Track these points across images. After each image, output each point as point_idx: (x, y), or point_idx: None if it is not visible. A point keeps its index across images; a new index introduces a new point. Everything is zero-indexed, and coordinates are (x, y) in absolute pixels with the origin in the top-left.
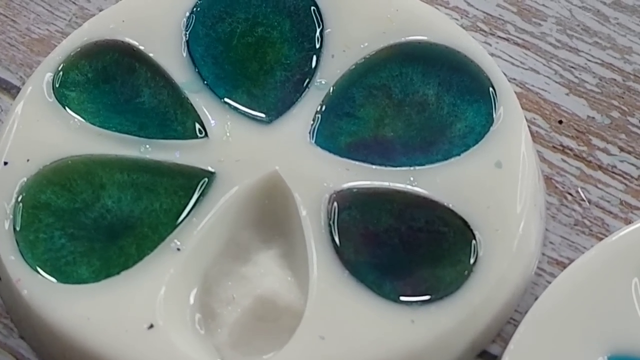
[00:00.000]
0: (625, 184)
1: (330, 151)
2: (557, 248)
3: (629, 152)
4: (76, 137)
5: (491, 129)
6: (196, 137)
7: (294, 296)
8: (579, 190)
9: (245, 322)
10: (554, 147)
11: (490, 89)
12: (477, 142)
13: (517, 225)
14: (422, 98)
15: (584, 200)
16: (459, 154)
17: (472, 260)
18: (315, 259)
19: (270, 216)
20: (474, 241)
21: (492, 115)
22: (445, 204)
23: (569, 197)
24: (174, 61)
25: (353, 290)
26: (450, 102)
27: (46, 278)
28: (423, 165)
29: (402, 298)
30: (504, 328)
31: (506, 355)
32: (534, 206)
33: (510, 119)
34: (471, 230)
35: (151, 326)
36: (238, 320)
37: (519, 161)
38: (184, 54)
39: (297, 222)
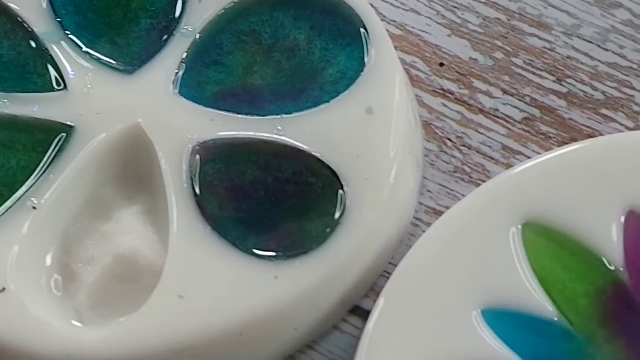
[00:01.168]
0: (508, 128)
1: (195, 101)
2: (435, 197)
3: (512, 95)
4: None
5: (362, 73)
6: (54, 90)
7: (156, 254)
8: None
9: (104, 283)
10: (434, 91)
11: (362, 30)
12: (347, 87)
13: (388, 173)
14: (293, 43)
15: (464, 146)
16: (328, 101)
17: (338, 212)
18: (175, 215)
19: (133, 171)
20: (341, 191)
21: (364, 59)
22: (314, 153)
23: (449, 143)
24: (34, 11)
25: (214, 247)
26: (322, 47)
27: None
28: (291, 113)
29: (265, 253)
30: (378, 282)
31: (376, 310)
32: (408, 154)
33: (383, 62)
34: (339, 180)
35: (3, 290)
36: (97, 281)
37: (392, 107)
38: (44, 4)
39: (159, 176)
